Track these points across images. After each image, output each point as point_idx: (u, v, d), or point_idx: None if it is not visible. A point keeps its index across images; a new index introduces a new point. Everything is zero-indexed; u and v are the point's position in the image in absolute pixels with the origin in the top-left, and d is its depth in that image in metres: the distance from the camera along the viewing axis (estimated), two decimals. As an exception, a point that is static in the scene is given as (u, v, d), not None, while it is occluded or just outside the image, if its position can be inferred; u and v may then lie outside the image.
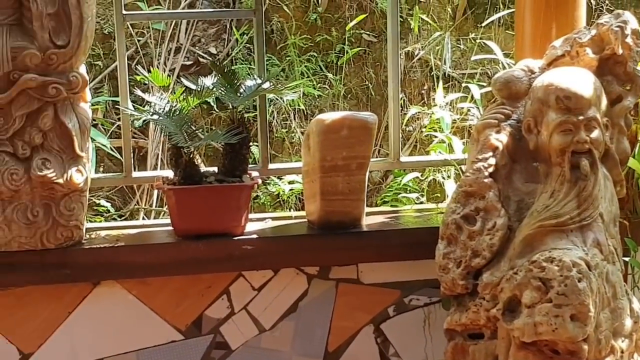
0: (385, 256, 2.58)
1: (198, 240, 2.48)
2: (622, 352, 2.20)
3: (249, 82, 2.58)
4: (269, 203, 4.10)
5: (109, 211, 3.94)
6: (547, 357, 2.11)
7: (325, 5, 4.58)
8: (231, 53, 4.52)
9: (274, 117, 4.36)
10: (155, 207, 4.01)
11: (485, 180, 2.25)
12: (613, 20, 2.33)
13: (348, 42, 4.50)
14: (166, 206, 3.96)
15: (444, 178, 3.62)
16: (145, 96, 2.56)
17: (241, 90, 2.55)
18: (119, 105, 2.97)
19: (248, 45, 4.49)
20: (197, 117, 4.17)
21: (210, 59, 4.47)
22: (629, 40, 2.31)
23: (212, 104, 4.15)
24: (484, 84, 4.16)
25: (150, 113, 2.50)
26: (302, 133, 4.35)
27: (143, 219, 3.97)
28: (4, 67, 2.31)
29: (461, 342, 2.29)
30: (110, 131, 4.14)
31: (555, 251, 2.12)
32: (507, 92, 2.35)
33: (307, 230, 2.61)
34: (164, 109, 2.49)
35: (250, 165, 2.60)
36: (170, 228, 2.56)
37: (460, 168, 2.89)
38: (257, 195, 4.10)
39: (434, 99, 4.29)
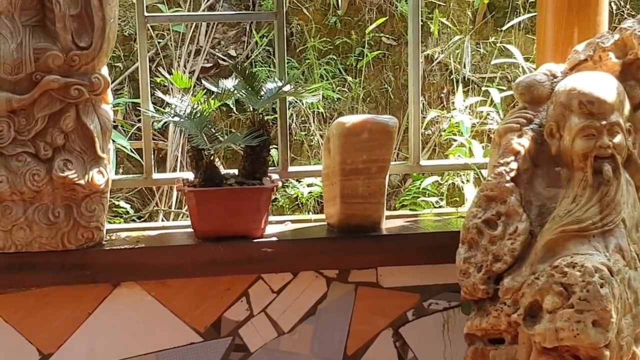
0: (404, 260, 2.58)
1: (218, 243, 2.48)
2: (643, 358, 2.19)
3: (270, 85, 2.59)
4: (287, 206, 4.10)
5: (128, 212, 3.95)
6: (568, 362, 2.10)
7: (345, 9, 4.57)
8: (251, 55, 4.52)
9: (293, 120, 4.36)
10: (175, 208, 4.02)
11: (507, 184, 2.24)
12: (636, 25, 2.31)
13: (367, 45, 4.50)
14: (185, 208, 3.99)
15: (463, 182, 3.61)
16: (167, 98, 2.57)
17: (262, 92, 2.55)
18: (139, 106, 2.98)
19: (267, 47, 4.50)
20: (217, 119, 4.18)
21: (230, 61, 4.48)
22: (652, 45, 2.30)
23: (231, 106, 4.15)
24: (504, 88, 4.15)
25: (172, 115, 2.51)
26: (321, 136, 4.35)
27: (162, 220, 3.98)
28: (26, 68, 2.32)
29: (481, 347, 2.28)
30: (130, 133, 4.15)
31: (577, 256, 2.11)
32: (529, 97, 2.34)
33: (327, 233, 2.61)
34: (185, 111, 2.50)
35: (270, 168, 2.60)
36: (190, 230, 2.56)
37: (480, 172, 2.89)
38: (276, 198, 4.10)
39: (453, 102, 4.28)
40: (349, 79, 4.48)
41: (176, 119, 2.51)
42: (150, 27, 4.30)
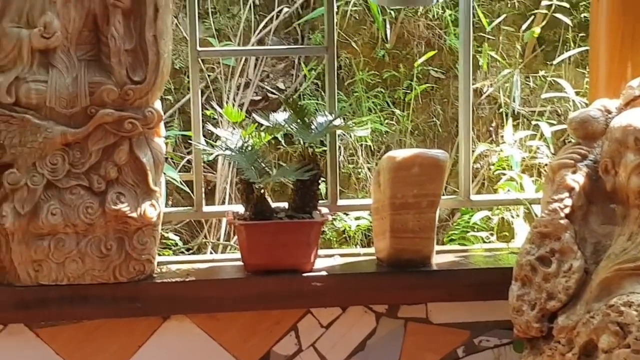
0: (455, 296, 2.55)
1: (267, 276, 2.48)
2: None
3: (320, 119, 2.59)
4: (335, 238, 4.09)
5: (177, 244, 3.97)
6: (624, 403, 2.06)
7: (394, 42, 4.58)
8: (299, 88, 4.54)
9: (340, 153, 4.36)
10: (223, 241, 4.03)
11: (561, 221, 2.22)
12: (693, 60, 2.29)
13: (416, 78, 4.50)
14: (233, 240, 4.01)
15: (512, 216, 3.58)
16: (218, 131, 2.59)
17: (312, 126, 2.56)
18: (188, 139, 3.00)
19: (315, 80, 4.51)
20: (265, 152, 4.19)
21: (279, 94, 4.51)
22: None
23: (279, 138, 4.16)
24: (554, 122, 4.12)
25: (223, 149, 2.52)
26: (369, 169, 4.34)
27: (211, 252, 3.99)
28: (81, 101, 2.36)
29: (534, 386, 2.24)
30: (180, 165, 4.18)
31: (634, 295, 2.07)
32: (584, 132, 2.32)
33: (376, 267, 2.59)
34: (236, 144, 2.51)
35: (319, 202, 2.60)
36: (240, 263, 2.56)
37: (531, 207, 2.86)
38: (324, 231, 4.09)
39: (502, 136, 4.25)
40: (397, 111, 4.48)
41: (227, 152, 2.52)
42: (200, 61, 4.34)
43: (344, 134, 4.24)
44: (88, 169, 2.38)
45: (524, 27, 4.33)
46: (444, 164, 2.49)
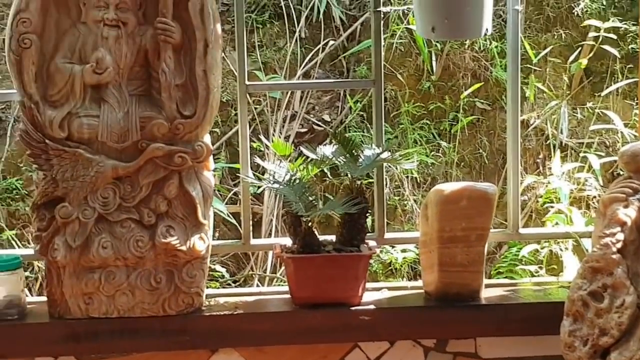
0: (504, 331, 2.53)
1: (315, 310, 2.48)
2: None
3: (367, 152, 2.59)
4: (380, 271, 4.08)
5: (223, 276, 3.98)
6: None
7: (439, 74, 4.58)
8: (344, 120, 4.56)
9: (386, 185, 4.36)
10: (269, 273, 4.04)
11: (613, 256, 2.19)
12: None
13: (462, 109, 4.49)
14: (280, 272, 4.01)
15: (561, 250, 3.54)
16: (265, 164, 2.60)
17: (359, 159, 2.56)
18: (235, 171, 3.02)
19: (361, 112, 4.52)
20: (312, 184, 4.20)
21: (324, 126, 4.52)
22: None
23: (325, 170, 4.17)
24: (602, 154, 4.08)
25: (271, 182, 2.53)
26: (415, 201, 4.33)
27: (257, 285, 4.00)
28: (132, 136, 2.39)
29: None
30: (227, 197, 4.21)
31: (689, 332, 2.04)
32: (635, 166, 2.29)
33: (424, 301, 2.58)
34: (284, 177, 2.52)
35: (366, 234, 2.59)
36: (287, 296, 2.56)
37: (581, 241, 2.82)
38: (370, 263, 4.08)
39: (549, 168, 4.22)
40: (443, 143, 4.47)
41: (275, 185, 2.53)
42: (248, 94, 4.37)
43: (390, 166, 4.23)
44: (138, 203, 2.40)
45: (571, 58, 4.30)
46: (492, 197, 2.48)
